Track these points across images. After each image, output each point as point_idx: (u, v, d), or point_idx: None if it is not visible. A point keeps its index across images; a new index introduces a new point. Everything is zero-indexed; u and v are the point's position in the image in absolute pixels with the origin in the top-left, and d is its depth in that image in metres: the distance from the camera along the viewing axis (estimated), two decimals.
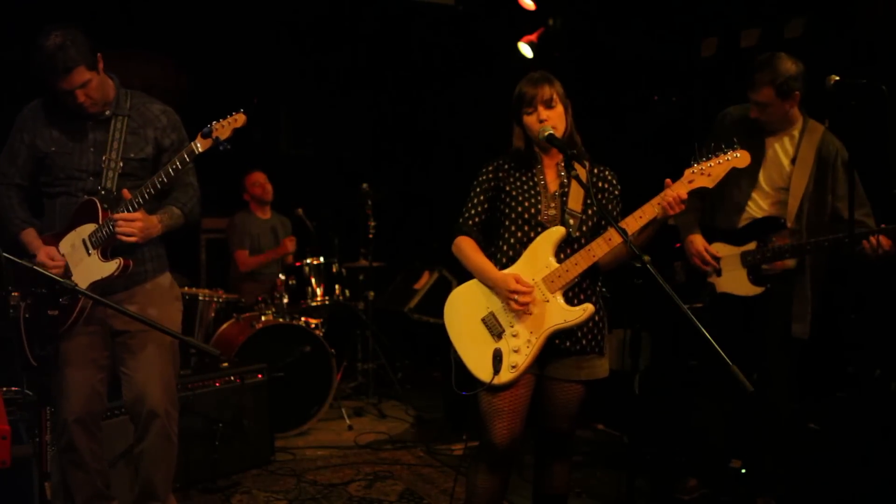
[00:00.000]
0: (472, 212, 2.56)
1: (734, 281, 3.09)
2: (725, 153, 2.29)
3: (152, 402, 2.71)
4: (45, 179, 2.73)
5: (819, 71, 2.76)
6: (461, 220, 2.57)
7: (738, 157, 2.28)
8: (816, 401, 3.44)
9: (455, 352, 2.49)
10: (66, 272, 2.64)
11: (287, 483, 3.67)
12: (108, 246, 2.62)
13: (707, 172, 2.29)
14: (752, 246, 3.07)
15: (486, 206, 2.55)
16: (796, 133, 3.05)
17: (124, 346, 2.75)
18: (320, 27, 5.90)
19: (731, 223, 3.13)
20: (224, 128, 2.49)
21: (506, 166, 2.55)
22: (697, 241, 3.12)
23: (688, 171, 2.31)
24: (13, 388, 3.07)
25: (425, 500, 3.48)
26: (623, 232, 2.23)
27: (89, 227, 2.64)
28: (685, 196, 2.28)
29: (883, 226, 2.80)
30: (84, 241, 2.64)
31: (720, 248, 3.12)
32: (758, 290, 3.05)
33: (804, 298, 3.06)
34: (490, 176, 2.56)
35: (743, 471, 3.45)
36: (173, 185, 2.72)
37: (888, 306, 3.48)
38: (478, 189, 2.57)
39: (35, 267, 2.17)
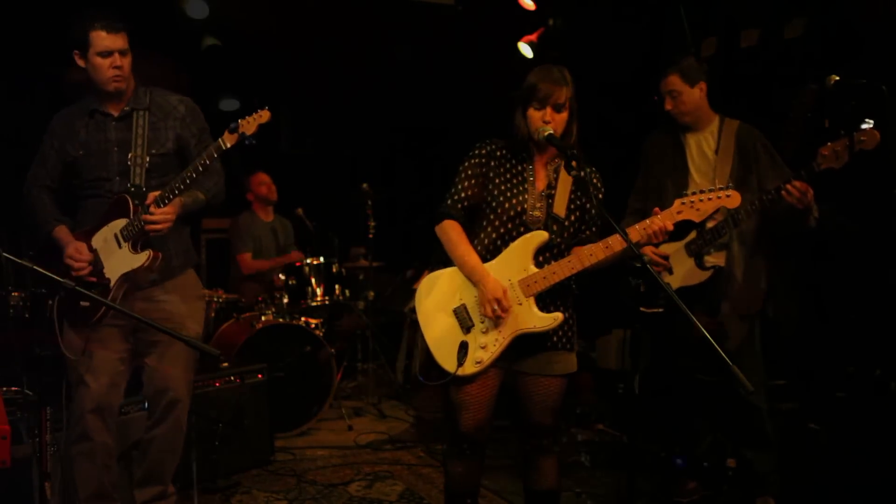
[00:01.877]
0: (462, 195, 2.52)
1: (686, 273, 3.19)
2: (717, 191, 2.31)
3: (176, 392, 2.84)
4: (75, 182, 2.85)
5: (819, 71, 2.76)
6: (449, 203, 2.53)
7: (730, 198, 2.32)
8: (816, 401, 3.44)
9: (422, 338, 2.50)
10: (97, 265, 2.74)
11: (287, 483, 3.67)
12: (138, 239, 2.70)
13: (696, 207, 2.32)
14: (692, 235, 3.17)
15: (475, 189, 2.52)
16: (715, 129, 3.22)
17: (151, 338, 2.83)
18: (319, 27, 5.90)
19: None
20: (250, 124, 2.58)
21: (498, 153, 2.53)
22: (645, 247, 3.20)
23: (677, 202, 2.34)
24: (13, 388, 3.08)
25: (425, 500, 3.48)
26: (625, 234, 2.24)
27: (121, 222, 2.73)
28: (671, 228, 2.31)
29: (802, 172, 2.86)
30: (116, 235, 2.73)
31: (666, 247, 3.21)
32: (706, 274, 3.14)
33: (730, 276, 3.13)
34: (483, 160, 2.53)
35: (733, 464, 3.47)
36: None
37: (888, 306, 3.48)
38: (469, 171, 2.53)
39: (35, 267, 2.19)
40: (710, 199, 2.31)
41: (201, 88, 5.40)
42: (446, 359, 2.44)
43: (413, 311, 2.58)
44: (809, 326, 3.96)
